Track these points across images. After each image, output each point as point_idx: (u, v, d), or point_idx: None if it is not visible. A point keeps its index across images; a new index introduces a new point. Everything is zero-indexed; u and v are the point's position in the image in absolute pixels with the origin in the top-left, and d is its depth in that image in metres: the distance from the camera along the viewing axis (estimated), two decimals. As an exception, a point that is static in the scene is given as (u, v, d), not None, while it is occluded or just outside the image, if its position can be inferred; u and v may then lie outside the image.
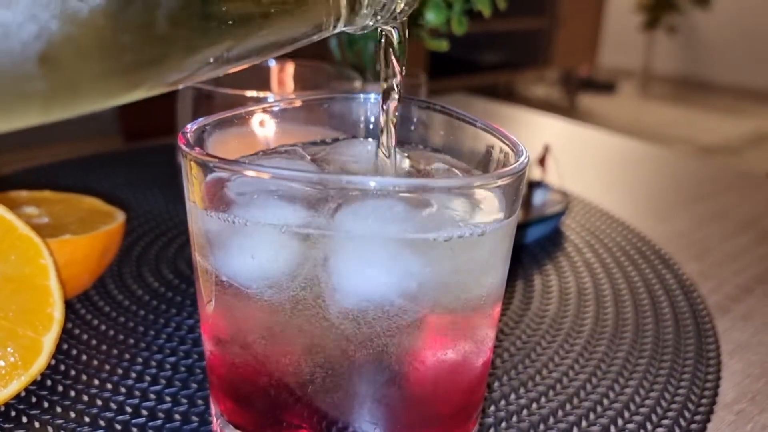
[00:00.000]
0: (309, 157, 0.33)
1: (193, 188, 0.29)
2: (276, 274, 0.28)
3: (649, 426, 0.39)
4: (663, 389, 0.43)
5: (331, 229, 0.27)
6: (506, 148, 0.32)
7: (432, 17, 0.62)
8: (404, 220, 0.27)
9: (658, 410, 0.40)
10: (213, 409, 0.35)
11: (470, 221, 0.28)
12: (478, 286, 0.29)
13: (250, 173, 0.27)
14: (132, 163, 0.79)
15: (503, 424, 0.39)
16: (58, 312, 0.40)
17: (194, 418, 0.38)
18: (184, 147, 0.28)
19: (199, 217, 0.29)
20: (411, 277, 0.27)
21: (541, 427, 0.39)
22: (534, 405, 0.41)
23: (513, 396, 0.41)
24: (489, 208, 0.28)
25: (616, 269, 0.58)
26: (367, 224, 0.26)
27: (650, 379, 0.43)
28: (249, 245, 0.28)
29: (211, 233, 0.29)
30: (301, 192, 0.27)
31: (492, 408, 0.40)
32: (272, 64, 0.56)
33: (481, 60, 3.74)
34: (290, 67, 0.56)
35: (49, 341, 0.40)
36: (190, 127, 0.30)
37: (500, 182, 0.28)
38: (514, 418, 0.39)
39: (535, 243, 0.62)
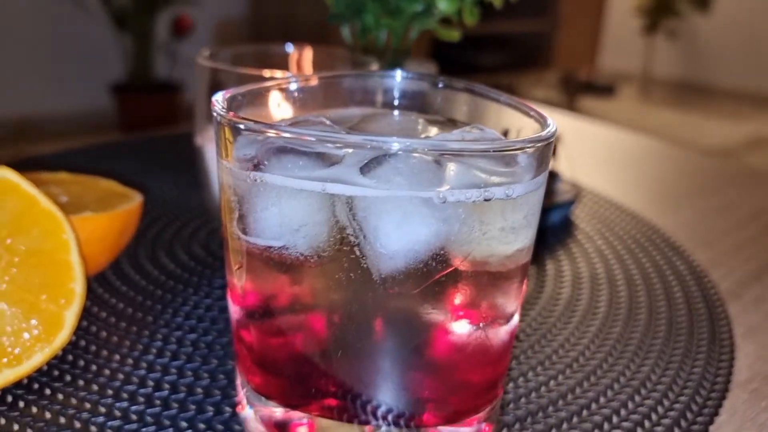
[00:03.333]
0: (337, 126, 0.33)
1: (226, 151, 0.29)
2: (308, 232, 0.28)
3: (666, 402, 0.39)
4: (678, 368, 0.43)
5: (364, 188, 0.27)
6: (532, 121, 0.32)
7: (444, 6, 0.63)
8: (437, 180, 0.27)
9: (675, 387, 0.41)
10: (239, 379, 0.35)
11: (500, 182, 0.28)
12: (508, 246, 0.29)
13: (281, 134, 0.27)
14: (141, 152, 0.80)
15: (523, 400, 0.39)
16: (79, 287, 0.40)
17: (216, 391, 0.38)
18: (218, 111, 0.29)
19: (231, 180, 0.30)
20: (444, 235, 0.27)
21: (560, 402, 0.39)
22: (552, 382, 0.41)
23: (531, 374, 0.42)
24: (519, 171, 0.29)
25: (627, 256, 0.59)
26: (400, 183, 0.27)
27: (665, 359, 0.44)
28: (280, 205, 0.28)
29: (242, 195, 0.29)
30: (333, 152, 0.28)
31: (511, 385, 0.40)
32: (290, 50, 0.57)
33: (481, 61, 3.75)
34: (308, 52, 0.57)
35: (71, 316, 0.40)
36: (223, 95, 0.31)
37: (531, 147, 0.28)
38: (533, 395, 0.40)
39: (546, 230, 0.63)
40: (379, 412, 0.31)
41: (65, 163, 0.72)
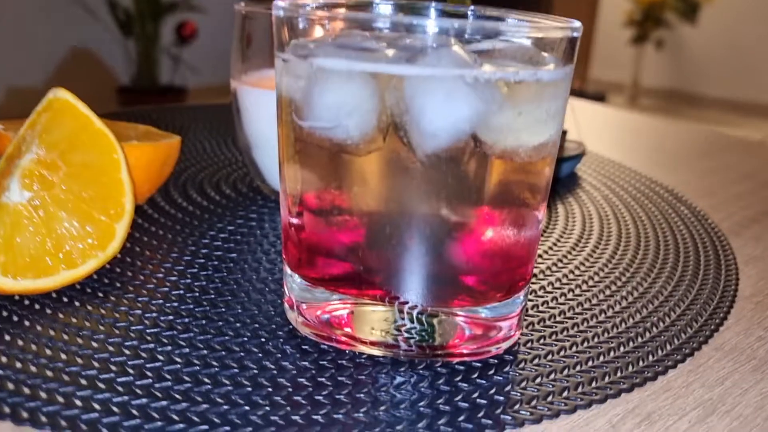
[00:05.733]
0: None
1: (284, 41, 0.32)
2: (360, 116, 0.31)
3: (677, 310, 0.43)
4: (688, 286, 0.46)
5: (409, 70, 0.30)
6: (559, 24, 0.35)
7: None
8: (473, 62, 0.30)
9: (685, 300, 0.44)
10: (286, 277, 0.38)
11: (532, 67, 0.31)
12: (537, 134, 0.33)
13: (336, 22, 0.31)
14: (171, 114, 0.83)
15: (543, 306, 0.42)
16: (129, 203, 0.43)
17: (258, 293, 0.41)
18: (282, 7, 0.32)
19: (291, 72, 0.33)
20: (481, 114, 0.31)
21: (578, 308, 0.42)
22: (570, 293, 0.44)
23: (549, 287, 0.45)
24: (548, 60, 0.32)
25: (632, 202, 0.62)
26: (444, 64, 0.30)
27: (675, 279, 0.47)
28: (336, 90, 0.31)
29: (302, 85, 0.32)
30: (382, 38, 0.31)
31: (532, 295, 0.43)
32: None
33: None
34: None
35: (121, 228, 0.42)
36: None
37: (560, 34, 0.31)
38: (553, 302, 0.43)
39: (555, 181, 0.66)
40: (416, 293, 0.34)
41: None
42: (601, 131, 0.96)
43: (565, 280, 0.46)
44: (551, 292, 0.44)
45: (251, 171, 0.57)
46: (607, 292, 0.45)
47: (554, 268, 0.48)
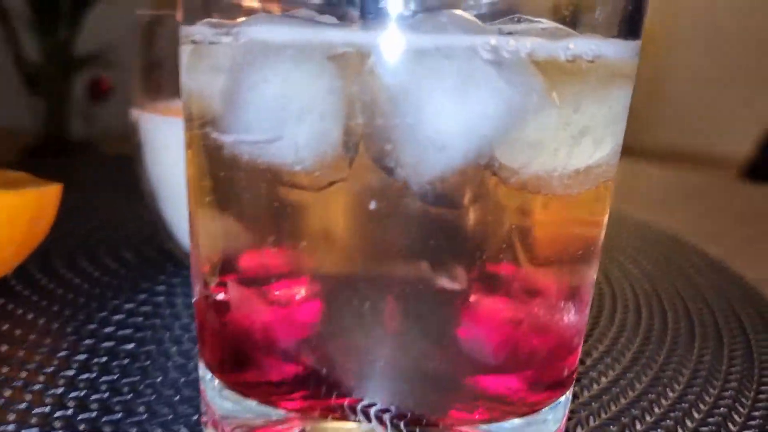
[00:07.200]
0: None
1: (199, 14, 0.20)
2: (317, 116, 0.19)
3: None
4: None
5: (403, 38, 0.18)
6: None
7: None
8: (490, 31, 0.19)
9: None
10: (204, 383, 0.25)
11: (577, 38, 0.20)
12: (592, 148, 0.21)
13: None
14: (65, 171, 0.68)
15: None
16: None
17: (164, 409, 0.27)
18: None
19: (198, 58, 0.20)
20: (515, 110, 0.19)
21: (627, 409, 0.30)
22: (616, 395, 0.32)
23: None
24: (599, 30, 0.20)
25: (675, 276, 0.51)
26: (454, 30, 0.18)
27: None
28: (270, 77, 0.19)
29: (214, 77, 0.20)
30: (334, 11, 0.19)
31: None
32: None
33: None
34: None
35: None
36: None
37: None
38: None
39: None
40: (402, 399, 0.21)
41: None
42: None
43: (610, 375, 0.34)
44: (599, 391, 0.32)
45: (159, 228, 0.44)
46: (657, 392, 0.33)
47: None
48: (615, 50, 0.20)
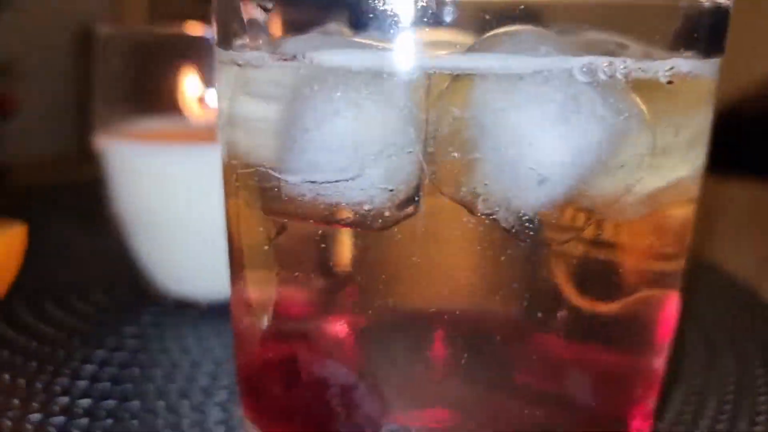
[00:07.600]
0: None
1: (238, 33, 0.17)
2: (394, 152, 0.16)
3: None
4: None
5: (496, 62, 0.16)
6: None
7: None
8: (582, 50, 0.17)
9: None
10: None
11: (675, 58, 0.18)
12: (681, 167, 0.19)
13: None
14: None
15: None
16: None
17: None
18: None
19: (244, 85, 0.18)
20: (617, 138, 0.17)
21: None
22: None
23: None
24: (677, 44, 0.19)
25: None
26: (549, 51, 0.16)
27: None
28: (348, 107, 0.16)
29: (269, 105, 0.17)
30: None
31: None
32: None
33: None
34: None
35: None
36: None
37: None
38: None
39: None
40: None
41: None
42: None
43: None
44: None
45: (134, 266, 0.40)
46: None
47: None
48: (708, 68, 0.19)
